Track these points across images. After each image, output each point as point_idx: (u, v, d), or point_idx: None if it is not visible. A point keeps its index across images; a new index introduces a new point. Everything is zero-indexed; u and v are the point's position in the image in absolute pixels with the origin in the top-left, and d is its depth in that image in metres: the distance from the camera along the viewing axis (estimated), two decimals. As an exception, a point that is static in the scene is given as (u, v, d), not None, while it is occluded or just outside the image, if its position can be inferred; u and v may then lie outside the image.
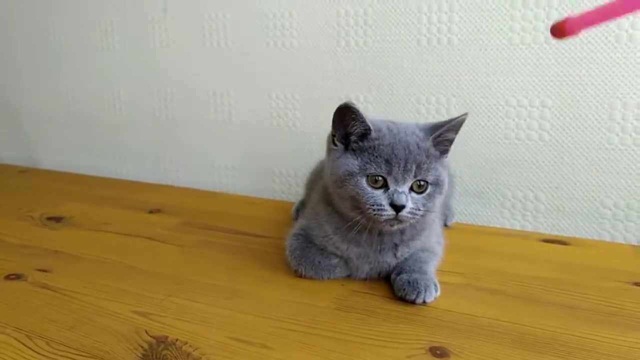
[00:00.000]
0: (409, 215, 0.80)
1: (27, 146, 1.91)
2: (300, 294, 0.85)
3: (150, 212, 1.28)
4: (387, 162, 0.78)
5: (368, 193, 0.79)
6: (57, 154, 1.86)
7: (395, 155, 0.78)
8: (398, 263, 0.88)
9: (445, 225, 1.14)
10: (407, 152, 0.78)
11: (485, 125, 1.21)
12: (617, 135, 1.11)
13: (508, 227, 1.23)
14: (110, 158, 1.75)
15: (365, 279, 0.90)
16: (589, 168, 1.14)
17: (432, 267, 0.90)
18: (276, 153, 1.47)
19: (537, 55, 1.13)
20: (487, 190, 1.24)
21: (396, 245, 0.87)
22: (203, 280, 0.91)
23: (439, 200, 0.83)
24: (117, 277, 0.93)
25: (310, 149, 1.40)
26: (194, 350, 0.70)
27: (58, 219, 1.23)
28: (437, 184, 0.81)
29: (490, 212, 1.25)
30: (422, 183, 0.80)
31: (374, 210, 0.79)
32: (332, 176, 0.83)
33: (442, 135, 0.81)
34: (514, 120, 1.18)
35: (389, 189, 0.79)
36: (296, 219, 1.18)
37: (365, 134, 0.80)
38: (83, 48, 1.70)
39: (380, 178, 0.79)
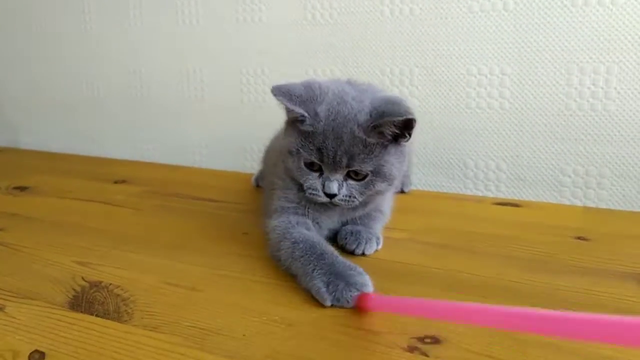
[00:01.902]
0: (343, 203, 0.78)
1: (7, 128, 1.92)
2: (244, 247, 0.86)
3: (115, 182, 1.29)
4: (319, 150, 0.75)
5: (305, 174, 0.78)
6: (36, 136, 1.88)
7: (325, 145, 0.74)
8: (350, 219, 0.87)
9: (403, 191, 1.14)
10: (338, 142, 0.74)
11: (447, 94, 1.22)
12: (575, 101, 1.11)
13: (471, 196, 1.23)
14: (88, 138, 1.76)
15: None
16: (548, 135, 1.14)
17: (379, 225, 0.90)
18: (247, 129, 1.48)
19: (495, 22, 1.14)
20: (449, 160, 1.25)
21: (366, 202, 0.84)
22: (151, 237, 0.92)
23: (382, 187, 0.79)
24: (67, 234, 0.94)
25: (280, 124, 1.40)
26: (124, 292, 0.71)
27: (23, 188, 1.25)
28: (378, 172, 0.76)
29: (453, 183, 1.25)
30: (358, 172, 0.76)
31: (309, 192, 0.79)
32: (283, 143, 0.82)
33: (380, 128, 0.74)
34: (475, 89, 1.19)
35: (324, 173, 0.78)
36: (257, 186, 1.19)
37: (300, 119, 0.76)
38: (60, 29, 1.72)
39: (316, 163, 0.77)
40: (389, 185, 0.80)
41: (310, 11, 1.32)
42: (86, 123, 1.75)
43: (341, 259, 0.72)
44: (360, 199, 0.79)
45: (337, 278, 0.67)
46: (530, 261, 0.78)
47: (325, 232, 0.86)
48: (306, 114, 0.75)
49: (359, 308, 0.64)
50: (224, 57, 1.46)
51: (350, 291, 0.65)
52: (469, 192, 1.24)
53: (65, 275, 0.77)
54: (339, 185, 0.77)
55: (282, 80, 1.37)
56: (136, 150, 1.67)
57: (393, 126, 0.74)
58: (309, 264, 0.70)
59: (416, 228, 0.93)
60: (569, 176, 1.14)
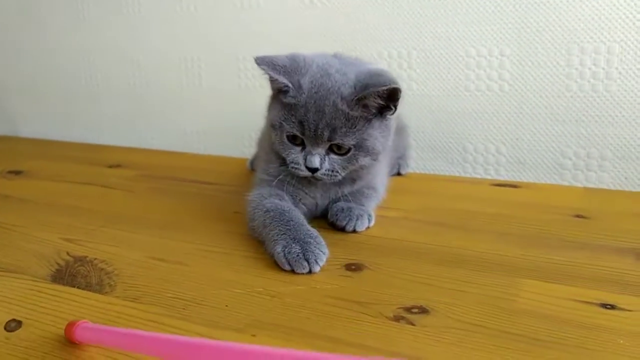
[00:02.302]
0: (325, 177, 0.77)
1: (6, 118, 1.92)
2: (234, 225, 0.84)
3: (110, 166, 1.28)
4: (301, 123, 0.73)
5: (288, 148, 0.77)
6: (34, 125, 1.87)
7: (307, 118, 0.73)
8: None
9: (399, 174, 1.12)
10: (320, 115, 0.72)
11: (446, 77, 1.20)
12: (576, 82, 1.08)
13: (470, 181, 1.21)
14: (86, 126, 1.75)
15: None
16: (548, 117, 1.12)
17: (372, 203, 0.88)
18: (245, 115, 1.46)
19: (494, 2, 1.12)
20: (449, 144, 1.22)
21: (353, 179, 0.84)
22: (142, 217, 0.91)
23: (365, 161, 0.77)
24: (58, 214, 0.93)
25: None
26: (108, 267, 0.70)
27: (18, 172, 1.24)
28: (361, 147, 0.75)
29: (452, 167, 1.23)
30: (340, 146, 0.75)
31: (292, 166, 0.77)
32: (267, 119, 0.81)
33: (365, 100, 0.72)
34: (474, 71, 1.17)
35: (306, 147, 0.76)
36: (252, 169, 1.18)
37: (284, 90, 0.75)
38: (58, 19, 1.71)
39: (299, 137, 0.76)
40: (373, 160, 0.78)
41: (308, -6, 1.30)
42: (84, 111, 1.74)
43: (307, 227, 0.72)
44: (343, 174, 0.78)
45: (295, 243, 0.67)
46: (527, 237, 0.77)
47: (312, 209, 0.84)
48: (290, 85, 0.74)
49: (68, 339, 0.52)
50: (222, 43, 1.44)
51: (303, 259, 0.66)
52: (468, 176, 1.21)
53: (51, 251, 0.76)
54: (321, 159, 0.75)
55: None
56: (134, 137, 1.66)
57: (377, 97, 0.72)
58: (275, 229, 0.71)
59: (411, 207, 0.91)
60: (570, 158, 1.12)
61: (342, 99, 0.73)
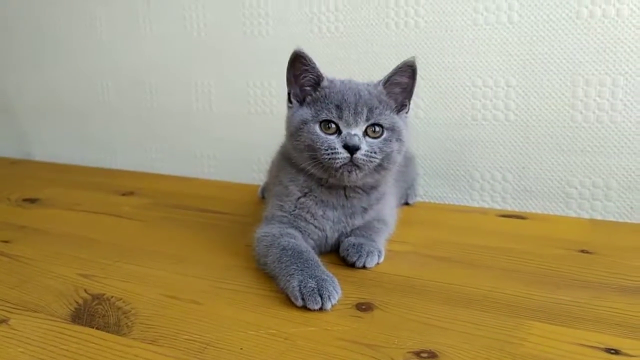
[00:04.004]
0: (365, 159, 0.78)
1: (21, 140, 1.95)
2: (247, 260, 0.86)
3: (123, 194, 1.30)
4: (338, 107, 0.79)
5: (322, 138, 0.79)
6: (48, 147, 1.91)
7: (345, 100, 0.79)
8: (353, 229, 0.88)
9: (407, 203, 1.14)
10: (357, 96, 0.80)
11: (453, 106, 1.22)
12: (581, 113, 1.10)
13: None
14: (100, 149, 1.78)
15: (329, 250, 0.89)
16: (554, 147, 1.14)
17: (382, 238, 0.90)
18: (254, 140, 1.49)
19: (500, 34, 1.14)
20: (456, 172, 1.24)
21: (365, 209, 0.87)
22: (154, 249, 0.93)
23: (396, 147, 0.82)
24: (73, 246, 0.95)
25: (286, 135, 1.41)
26: (125, 305, 0.72)
27: (33, 200, 1.26)
28: (393, 129, 0.82)
29: (459, 194, 1.25)
30: (376, 128, 0.80)
31: (328, 155, 0.78)
32: (289, 129, 0.85)
33: (392, 79, 0.83)
34: (480, 100, 1.19)
35: (341, 133, 0.79)
36: (263, 197, 1.20)
37: (318, 82, 0.82)
38: (72, 41, 1.75)
39: (333, 125, 0.79)
40: (400, 149, 0.83)
41: (317, 24, 1.33)
42: (98, 133, 1.78)
43: (323, 268, 0.74)
44: (380, 157, 0.80)
45: (311, 279, 0.70)
46: (532, 274, 0.78)
47: (321, 244, 0.87)
48: (324, 75, 0.82)
49: None
50: (232, 69, 1.47)
51: (317, 294, 0.68)
52: (475, 204, 1.23)
53: (69, 288, 0.78)
54: (359, 138, 0.79)
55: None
56: (146, 160, 1.69)
57: (403, 75, 0.83)
58: (292, 265, 0.73)
59: (419, 241, 0.93)
60: (576, 188, 1.13)
61: (373, 87, 0.83)
